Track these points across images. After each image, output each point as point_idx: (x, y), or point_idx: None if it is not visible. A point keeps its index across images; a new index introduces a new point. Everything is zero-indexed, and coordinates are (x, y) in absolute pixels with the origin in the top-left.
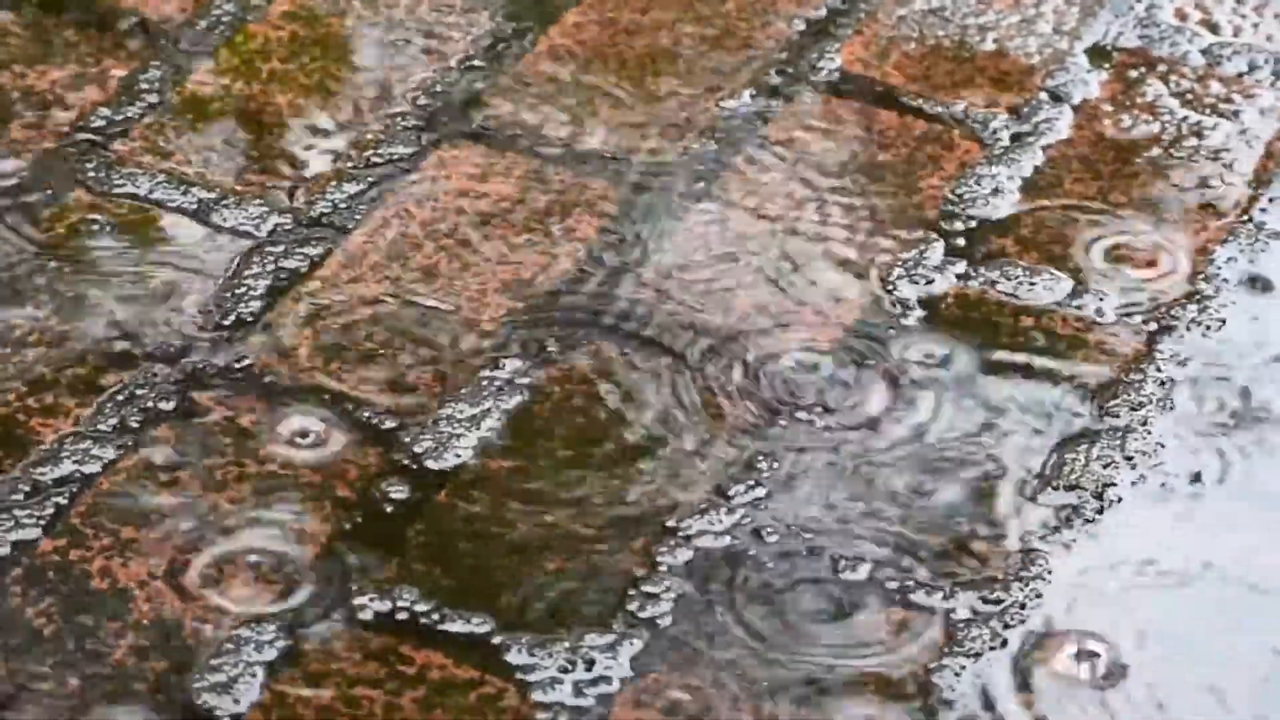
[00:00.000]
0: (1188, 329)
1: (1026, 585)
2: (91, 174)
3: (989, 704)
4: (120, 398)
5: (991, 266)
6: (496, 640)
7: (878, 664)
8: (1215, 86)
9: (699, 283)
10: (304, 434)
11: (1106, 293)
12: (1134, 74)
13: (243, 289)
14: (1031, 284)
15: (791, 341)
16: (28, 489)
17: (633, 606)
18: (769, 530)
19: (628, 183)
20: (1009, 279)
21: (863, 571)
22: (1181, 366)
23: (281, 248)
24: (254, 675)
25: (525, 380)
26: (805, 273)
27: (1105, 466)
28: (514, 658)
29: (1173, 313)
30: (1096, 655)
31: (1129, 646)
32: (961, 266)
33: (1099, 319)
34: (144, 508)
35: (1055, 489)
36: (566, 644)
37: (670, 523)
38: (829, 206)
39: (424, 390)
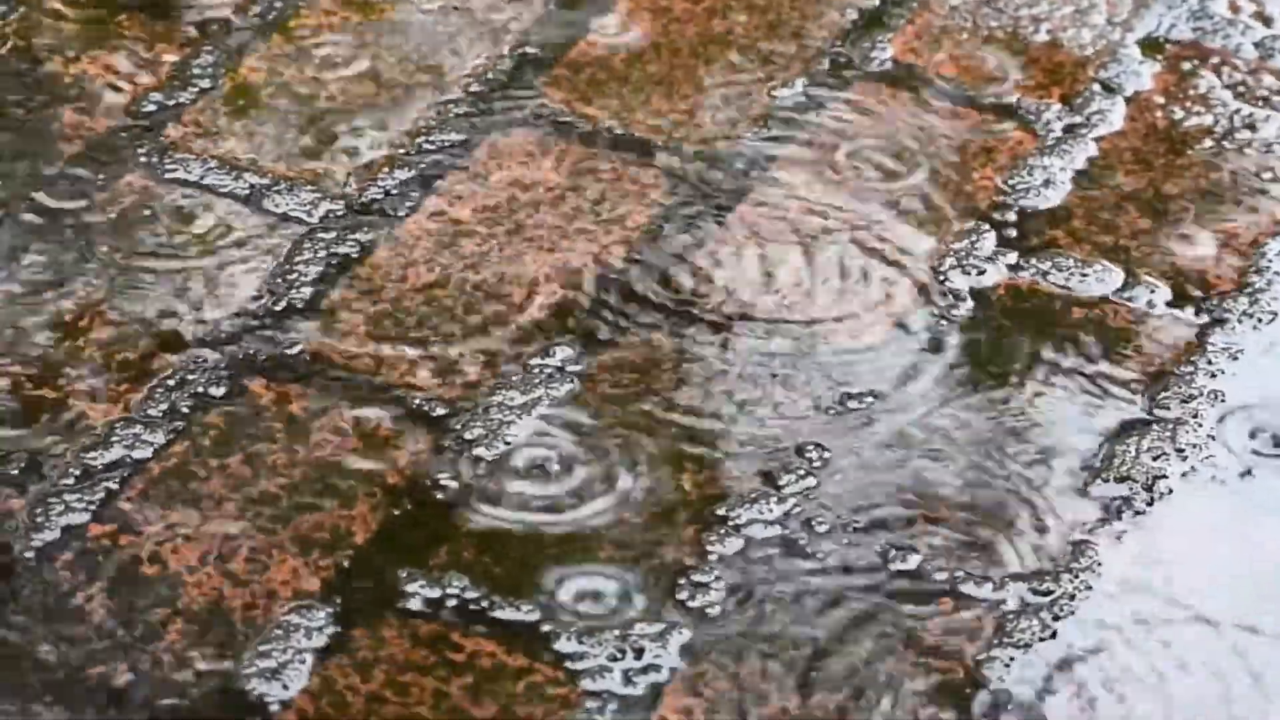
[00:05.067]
0: (1239, 321)
1: (1076, 577)
2: (143, 159)
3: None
4: (171, 383)
5: (1043, 257)
6: (545, 628)
7: (926, 654)
8: (1268, 79)
9: (750, 271)
10: (355, 420)
11: (1158, 284)
12: (1187, 66)
13: (294, 275)
14: (1083, 275)
15: (843, 330)
16: (78, 473)
17: (682, 595)
18: (819, 520)
19: (680, 171)
20: (1060, 270)
21: (913, 562)
22: (1233, 360)
23: (333, 234)
24: (303, 661)
25: (576, 368)
26: (857, 261)
27: (1156, 458)
28: (563, 646)
29: (1224, 305)
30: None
31: (1180, 635)
32: (1013, 257)
33: (1150, 310)
34: (194, 493)
35: (1106, 481)
36: (616, 632)
37: (720, 511)
38: (881, 196)
39: (475, 377)
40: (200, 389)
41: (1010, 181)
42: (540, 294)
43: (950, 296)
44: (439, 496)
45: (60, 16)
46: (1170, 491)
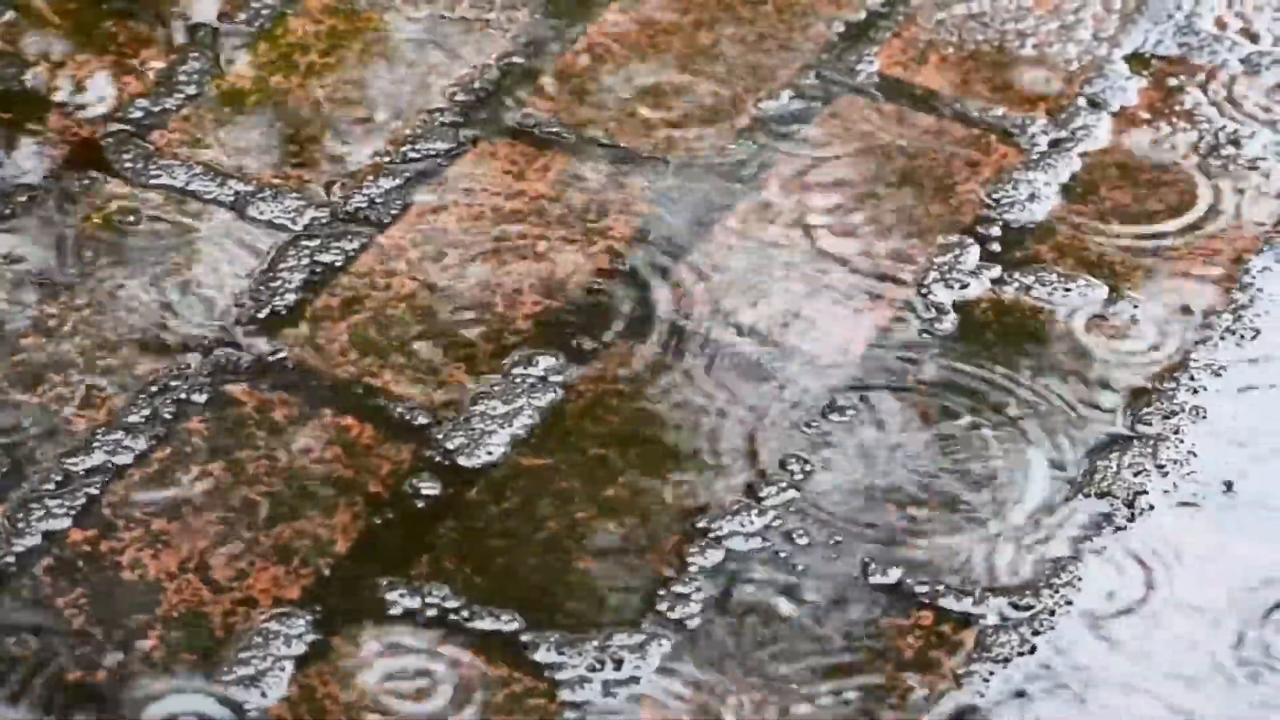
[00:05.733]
0: (1222, 338)
1: (1056, 592)
2: (128, 165)
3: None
4: (153, 389)
5: (1027, 272)
6: (525, 638)
7: (905, 668)
8: (1254, 95)
9: (734, 283)
10: (337, 428)
11: (1141, 300)
12: (1173, 82)
13: (278, 282)
14: (1066, 290)
15: (826, 342)
16: (59, 478)
17: (662, 607)
18: (799, 533)
19: (665, 182)
20: (1044, 284)
21: (893, 575)
22: (1216, 376)
23: (317, 241)
24: (282, 669)
25: (558, 378)
26: (841, 275)
27: (1137, 474)
28: (543, 656)
29: (1207, 321)
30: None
31: (1160, 651)
32: (996, 271)
33: (1133, 326)
34: (175, 499)
35: (1087, 496)
36: (595, 643)
37: (701, 523)
38: (866, 209)
39: (457, 387)
40: (182, 395)
41: (995, 195)
42: (524, 303)
43: (934, 310)
44: (420, 506)
45: (47, 21)
46: (1151, 508)
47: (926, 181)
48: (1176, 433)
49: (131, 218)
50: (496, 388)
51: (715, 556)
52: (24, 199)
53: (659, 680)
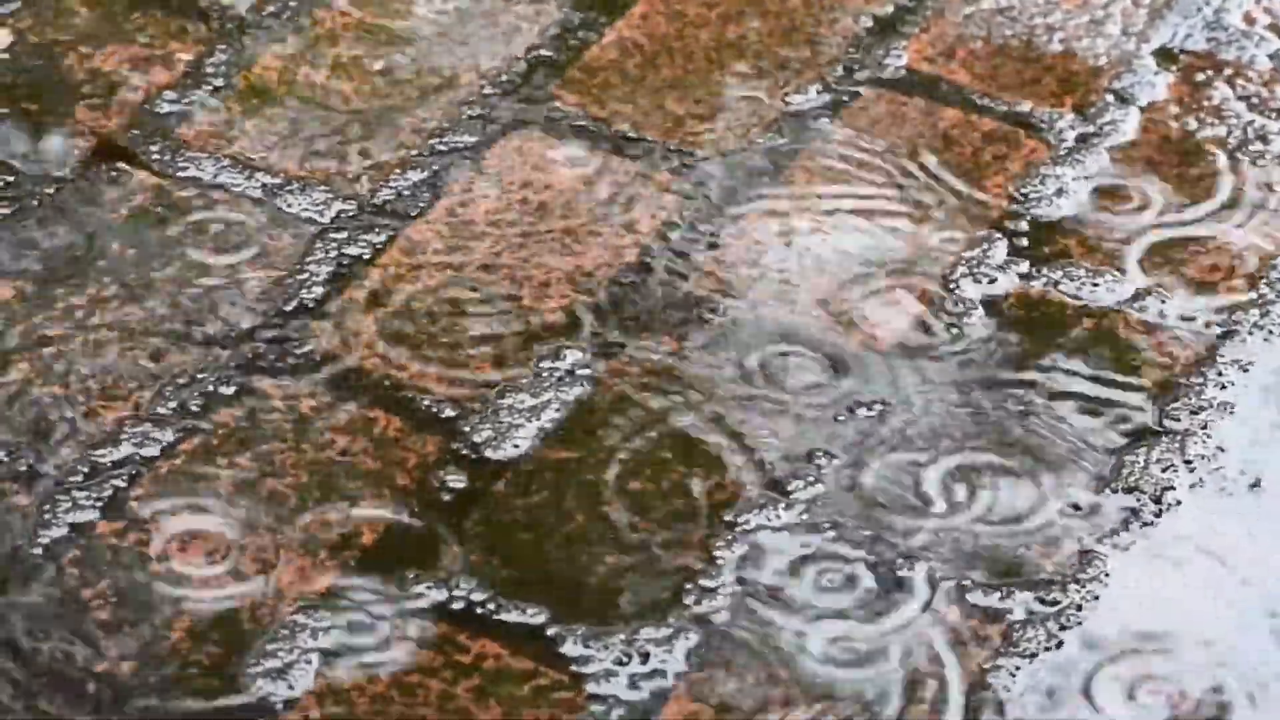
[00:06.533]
0: (1250, 333)
1: (1084, 587)
2: (156, 157)
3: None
4: (180, 381)
5: (1054, 267)
6: (552, 631)
7: (933, 663)
8: None
9: (761, 277)
10: (364, 421)
11: (1169, 295)
12: (1201, 77)
13: (305, 275)
14: (1094, 285)
15: (854, 337)
16: (86, 470)
17: (689, 600)
18: (826, 526)
19: (692, 175)
20: (1072, 279)
21: (920, 569)
22: (1243, 371)
23: (345, 234)
24: (309, 661)
25: (586, 371)
26: (869, 269)
27: (1164, 470)
28: (569, 649)
29: (1235, 317)
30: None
31: (1184, 649)
32: (1024, 266)
33: (1161, 321)
34: (202, 492)
35: (1114, 491)
36: (622, 636)
37: (728, 517)
38: (893, 203)
39: (484, 379)
40: (210, 388)
41: (1023, 190)
42: (551, 297)
43: (961, 305)
44: (447, 498)
45: (74, 13)
46: (1179, 503)
47: (954, 176)
48: (1204, 428)
49: (159, 210)
50: (524, 380)
51: (742, 550)
52: (52, 190)
53: (685, 674)
